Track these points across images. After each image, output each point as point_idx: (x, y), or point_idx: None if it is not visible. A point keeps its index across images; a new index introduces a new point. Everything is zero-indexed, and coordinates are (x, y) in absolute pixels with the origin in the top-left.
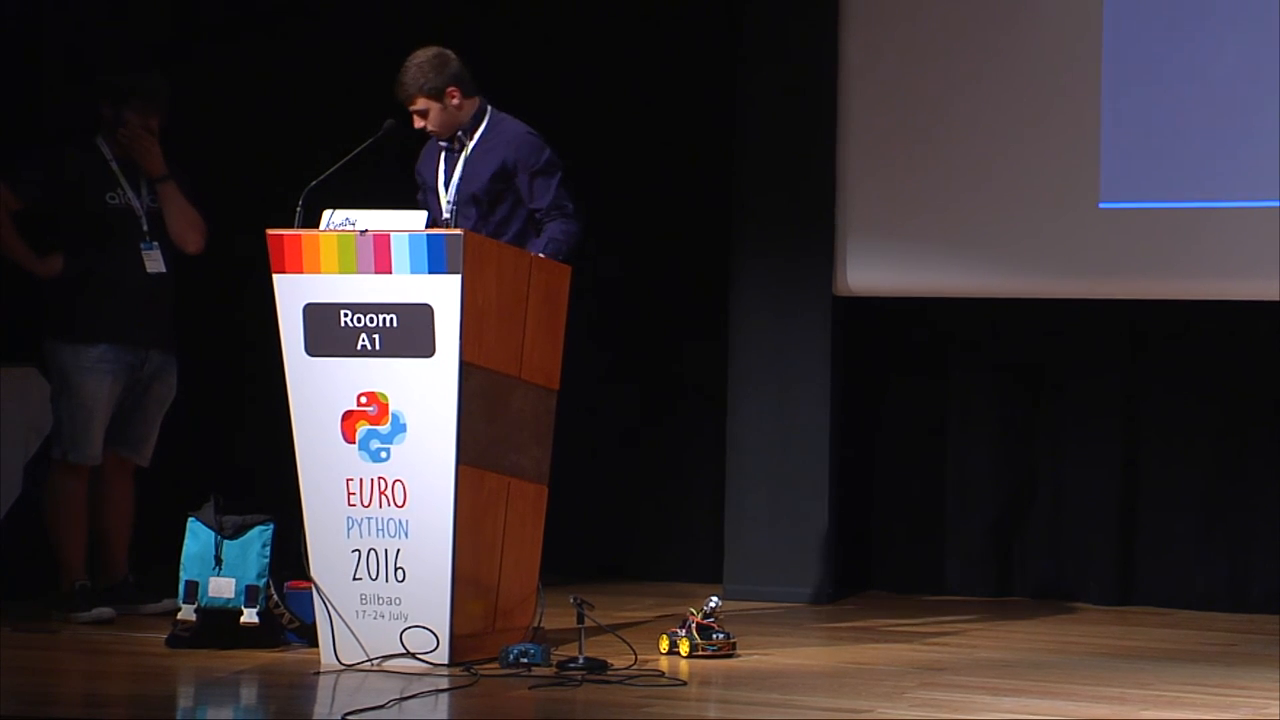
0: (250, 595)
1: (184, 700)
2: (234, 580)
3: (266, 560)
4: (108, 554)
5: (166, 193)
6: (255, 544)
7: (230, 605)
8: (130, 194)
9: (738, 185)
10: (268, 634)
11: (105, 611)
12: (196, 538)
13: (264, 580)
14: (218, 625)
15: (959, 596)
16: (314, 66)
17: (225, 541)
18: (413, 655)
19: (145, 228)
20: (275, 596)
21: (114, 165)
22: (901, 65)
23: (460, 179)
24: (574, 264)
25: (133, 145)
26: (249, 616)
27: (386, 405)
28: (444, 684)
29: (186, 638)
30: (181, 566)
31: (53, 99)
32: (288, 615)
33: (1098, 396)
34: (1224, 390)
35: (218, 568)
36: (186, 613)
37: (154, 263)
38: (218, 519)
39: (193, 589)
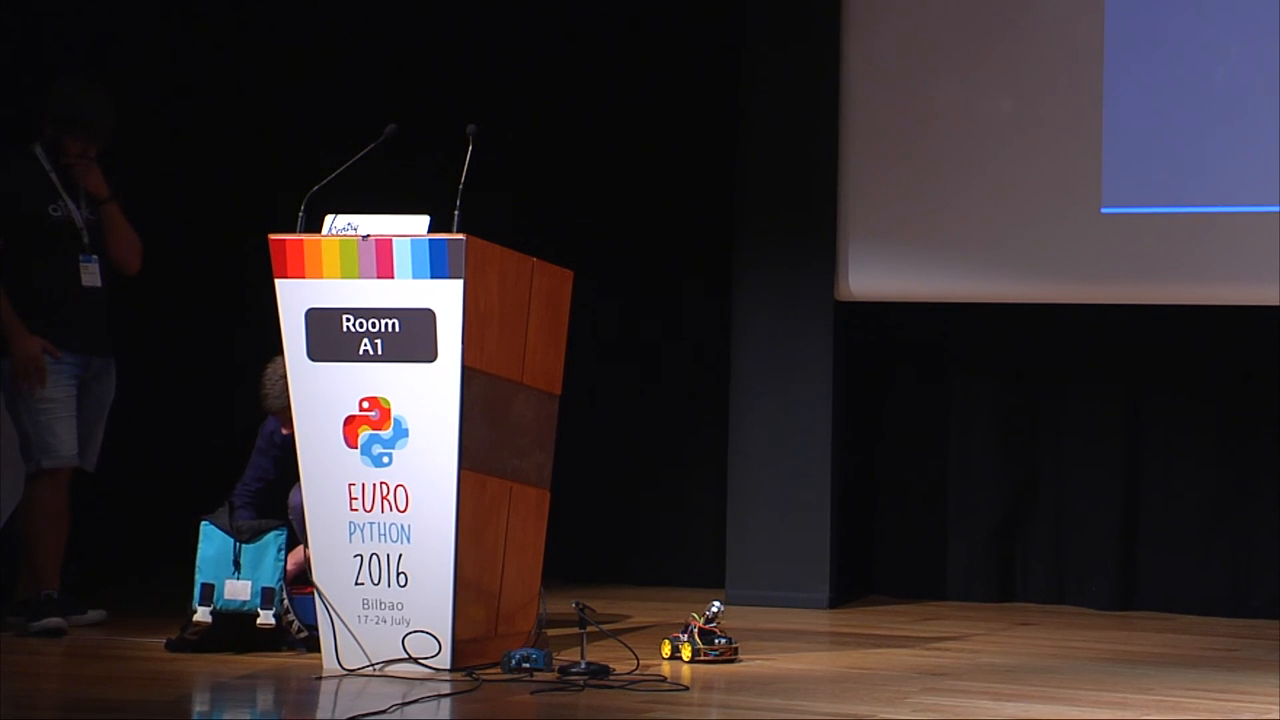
0: (266, 597)
1: (186, 705)
2: (250, 583)
3: (282, 564)
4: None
5: (110, 215)
6: (271, 548)
7: (246, 608)
8: (71, 206)
9: (740, 190)
10: (282, 637)
11: (54, 621)
12: (211, 541)
13: (280, 584)
14: (233, 627)
15: (961, 601)
16: (316, 71)
17: (244, 546)
18: (415, 660)
19: (86, 240)
20: (288, 603)
21: (53, 176)
22: (903, 71)
23: None
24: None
25: (73, 172)
26: (265, 619)
27: (388, 410)
28: (446, 689)
29: (194, 641)
30: (196, 569)
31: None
32: (298, 624)
33: (1099, 402)
34: (1225, 395)
35: (236, 571)
36: (203, 615)
37: (90, 276)
38: (233, 524)
39: (209, 591)
